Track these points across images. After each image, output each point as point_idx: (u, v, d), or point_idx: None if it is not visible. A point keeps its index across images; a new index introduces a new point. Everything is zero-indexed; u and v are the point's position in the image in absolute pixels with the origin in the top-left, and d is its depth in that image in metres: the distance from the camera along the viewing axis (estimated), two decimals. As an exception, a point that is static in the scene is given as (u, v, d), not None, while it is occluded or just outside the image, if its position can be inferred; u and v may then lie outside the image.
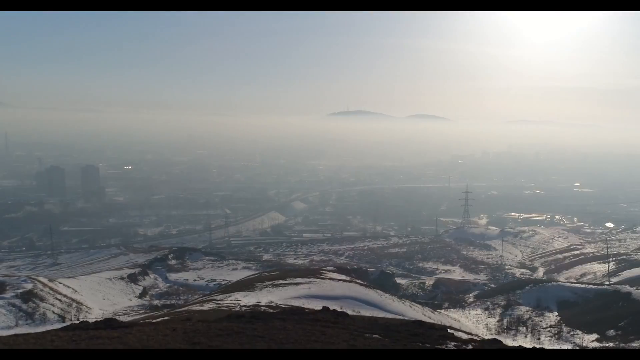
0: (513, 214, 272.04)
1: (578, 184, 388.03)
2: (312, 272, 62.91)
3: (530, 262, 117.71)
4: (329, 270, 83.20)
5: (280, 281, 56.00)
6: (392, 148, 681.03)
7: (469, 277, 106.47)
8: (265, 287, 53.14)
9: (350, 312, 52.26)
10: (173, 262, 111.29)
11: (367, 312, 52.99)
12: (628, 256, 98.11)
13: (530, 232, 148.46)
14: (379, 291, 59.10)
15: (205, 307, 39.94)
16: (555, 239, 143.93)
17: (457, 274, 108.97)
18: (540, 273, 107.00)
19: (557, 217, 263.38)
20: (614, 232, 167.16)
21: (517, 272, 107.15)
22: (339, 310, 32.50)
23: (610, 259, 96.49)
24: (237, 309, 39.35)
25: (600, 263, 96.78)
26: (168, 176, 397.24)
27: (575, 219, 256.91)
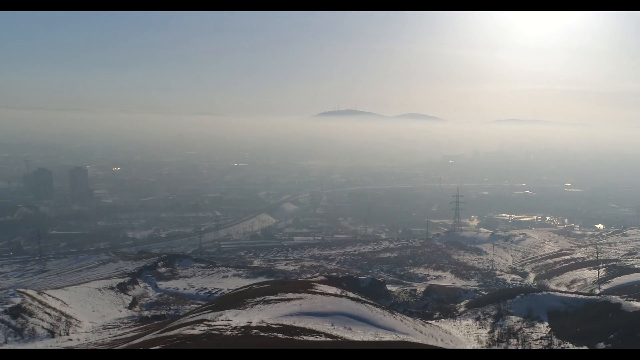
0: (504, 215, 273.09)
1: (568, 184, 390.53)
2: (303, 285, 62.60)
3: (521, 267, 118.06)
4: (320, 282, 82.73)
5: (272, 297, 55.62)
6: (383, 148, 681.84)
7: (460, 283, 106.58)
8: (256, 304, 52.75)
9: (341, 329, 51.93)
10: (163, 269, 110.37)
11: (358, 328, 52.72)
12: (618, 262, 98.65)
13: (521, 236, 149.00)
14: (370, 305, 58.86)
15: (197, 330, 39.45)
16: (546, 242, 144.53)
17: (448, 280, 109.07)
18: (531, 279, 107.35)
19: (547, 218, 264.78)
20: (604, 234, 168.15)
21: (508, 277, 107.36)
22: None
23: (601, 265, 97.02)
24: (228, 332, 38.99)
25: (590, 269, 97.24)
26: (157, 177, 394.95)
27: (566, 220, 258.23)
